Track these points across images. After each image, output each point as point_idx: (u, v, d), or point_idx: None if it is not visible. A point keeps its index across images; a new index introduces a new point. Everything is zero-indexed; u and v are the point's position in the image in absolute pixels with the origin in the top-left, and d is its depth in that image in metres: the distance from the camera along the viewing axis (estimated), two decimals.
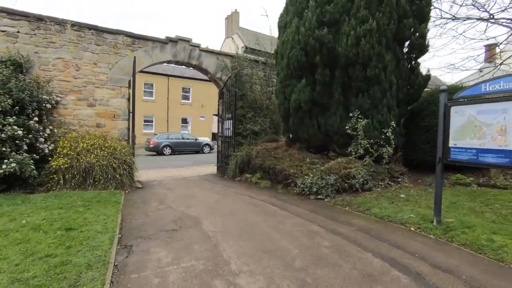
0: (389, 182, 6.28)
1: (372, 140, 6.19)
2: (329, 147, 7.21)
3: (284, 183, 6.53)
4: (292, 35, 6.92)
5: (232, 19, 23.76)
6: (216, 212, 4.91)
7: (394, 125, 6.33)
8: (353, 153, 6.45)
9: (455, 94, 3.91)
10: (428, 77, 6.92)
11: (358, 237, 3.67)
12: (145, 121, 24.13)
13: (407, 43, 6.84)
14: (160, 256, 3.11)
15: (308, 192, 5.90)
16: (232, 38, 17.52)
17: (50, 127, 6.36)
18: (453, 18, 8.36)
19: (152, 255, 3.12)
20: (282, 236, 3.67)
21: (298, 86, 6.94)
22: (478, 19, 8.17)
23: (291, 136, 7.85)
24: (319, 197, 5.75)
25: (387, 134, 6.20)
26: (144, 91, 23.98)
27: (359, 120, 6.31)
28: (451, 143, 3.83)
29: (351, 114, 6.49)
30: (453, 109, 3.79)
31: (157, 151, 17.13)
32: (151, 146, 17.16)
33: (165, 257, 3.08)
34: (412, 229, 3.97)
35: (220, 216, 4.67)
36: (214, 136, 24.40)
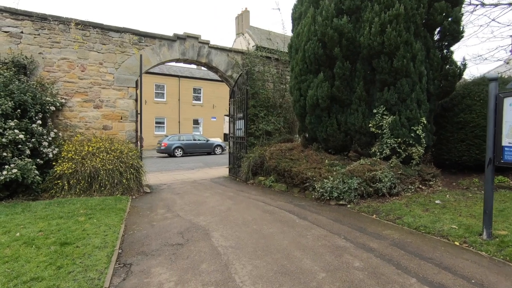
0: (420, 186, 5.61)
1: (399, 139, 5.56)
2: (350, 148, 6.68)
3: (301, 187, 6.04)
4: (308, 26, 6.39)
5: (242, 18, 23.25)
6: (227, 222, 4.46)
7: (425, 121, 5.65)
8: (378, 153, 5.91)
9: (509, 84, 3.31)
10: (464, 66, 6.18)
11: (394, 254, 3.08)
12: (156, 122, 24.17)
13: (438, 29, 6.10)
14: (161, 279, 2.65)
15: (328, 197, 5.37)
16: (243, 34, 17.03)
17: (55, 130, 6.12)
18: (482, 4, 7.60)
19: (153, 278, 2.67)
20: (304, 253, 3.15)
21: (315, 82, 6.43)
22: (509, 5, 7.38)
23: (307, 135, 7.32)
24: (340, 202, 5.22)
25: (417, 132, 5.55)
26: (156, 92, 23.98)
27: (385, 117, 5.74)
28: (504, 142, 3.22)
29: (375, 111, 5.94)
30: (507, 101, 3.18)
31: (169, 153, 16.98)
32: (162, 148, 16.99)
33: (167, 280, 2.63)
34: (457, 243, 3.35)
35: (231, 226, 4.23)
36: (226, 137, 24.57)
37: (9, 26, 6.04)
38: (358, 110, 6.14)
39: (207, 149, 18.45)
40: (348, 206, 5.14)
